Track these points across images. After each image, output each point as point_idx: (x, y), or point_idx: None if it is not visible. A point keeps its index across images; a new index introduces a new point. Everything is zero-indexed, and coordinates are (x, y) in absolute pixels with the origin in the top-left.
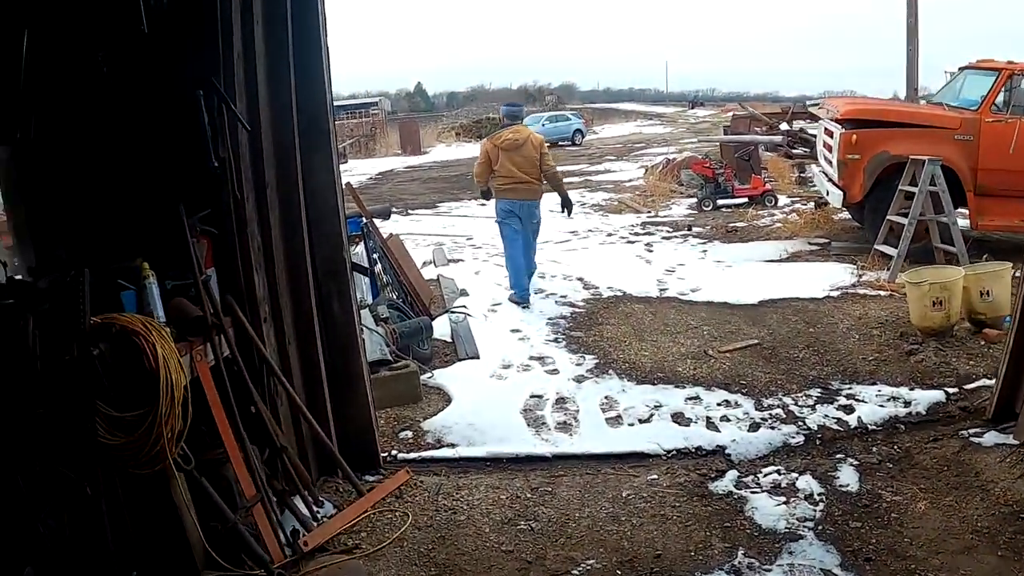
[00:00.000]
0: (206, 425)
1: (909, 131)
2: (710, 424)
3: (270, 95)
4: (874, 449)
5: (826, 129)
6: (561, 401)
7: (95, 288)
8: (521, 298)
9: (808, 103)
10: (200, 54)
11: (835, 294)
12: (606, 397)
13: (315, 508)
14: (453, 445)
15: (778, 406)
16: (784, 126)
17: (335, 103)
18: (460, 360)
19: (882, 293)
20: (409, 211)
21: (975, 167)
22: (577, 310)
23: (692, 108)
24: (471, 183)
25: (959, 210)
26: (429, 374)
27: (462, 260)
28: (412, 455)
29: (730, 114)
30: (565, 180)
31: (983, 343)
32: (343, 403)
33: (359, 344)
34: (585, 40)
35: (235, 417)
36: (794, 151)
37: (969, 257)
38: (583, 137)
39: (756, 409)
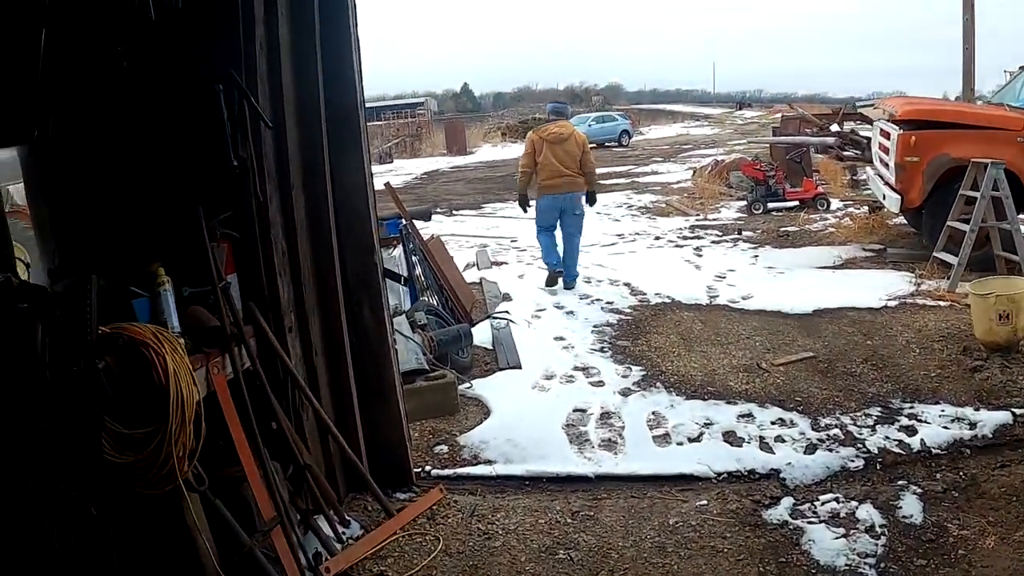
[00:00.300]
0: (224, 440)
1: (970, 133)
2: (764, 445)
3: (296, 89)
4: (938, 475)
5: (882, 130)
6: (606, 416)
7: (110, 295)
8: (553, 268)
9: (858, 104)
10: (220, 46)
11: (893, 304)
12: (653, 413)
13: (341, 529)
14: (490, 462)
15: (836, 426)
16: (834, 127)
17: (381, 103)
18: (501, 369)
19: (942, 303)
20: (453, 212)
21: None
22: (624, 317)
23: (739, 109)
24: (517, 184)
25: (1022, 216)
26: (468, 384)
27: (506, 263)
28: (447, 471)
29: (778, 115)
30: (612, 181)
31: None
32: (374, 417)
33: (391, 355)
34: (631, 41)
35: (255, 434)
36: (845, 153)
37: None
38: (630, 138)
39: (812, 429)
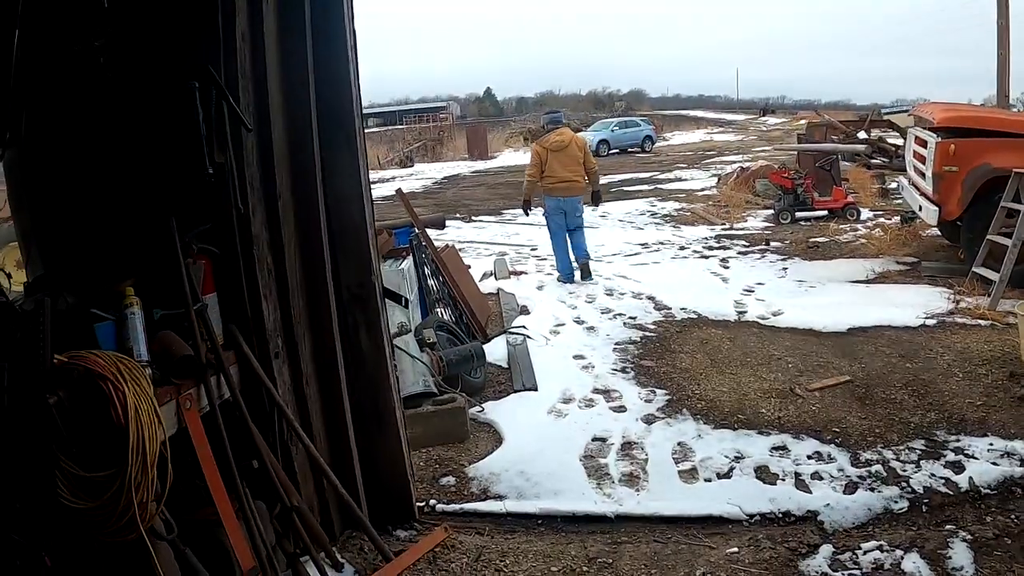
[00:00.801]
0: (202, 479)
1: (1012, 141)
2: (799, 482)
3: (284, 87)
4: (988, 519)
5: (917, 138)
6: (627, 447)
7: (76, 316)
8: (567, 278)
9: (883, 111)
10: (196, 38)
11: (931, 322)
12: (679, 444)
13: (332, 574)
14: (501, 497)
15: (877, 461)
16: (862, 134)
17: (404, 107)
18: (516, 391)
19: (983, 323)
20: (473, 218)
21: None
22: (647, 334)
23: (763, 115)
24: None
25: None
26: (479, 407)
27: (525, 272)
28: (452, 506)
29: (802, 122)
30: (635, 188)
31: None
32: (372, 449)
33: (391, 381)
34: (654, 46)
35: (233, 474)
36: (873, 161)
37: None
38: (653, 144)
39: (852, 465)
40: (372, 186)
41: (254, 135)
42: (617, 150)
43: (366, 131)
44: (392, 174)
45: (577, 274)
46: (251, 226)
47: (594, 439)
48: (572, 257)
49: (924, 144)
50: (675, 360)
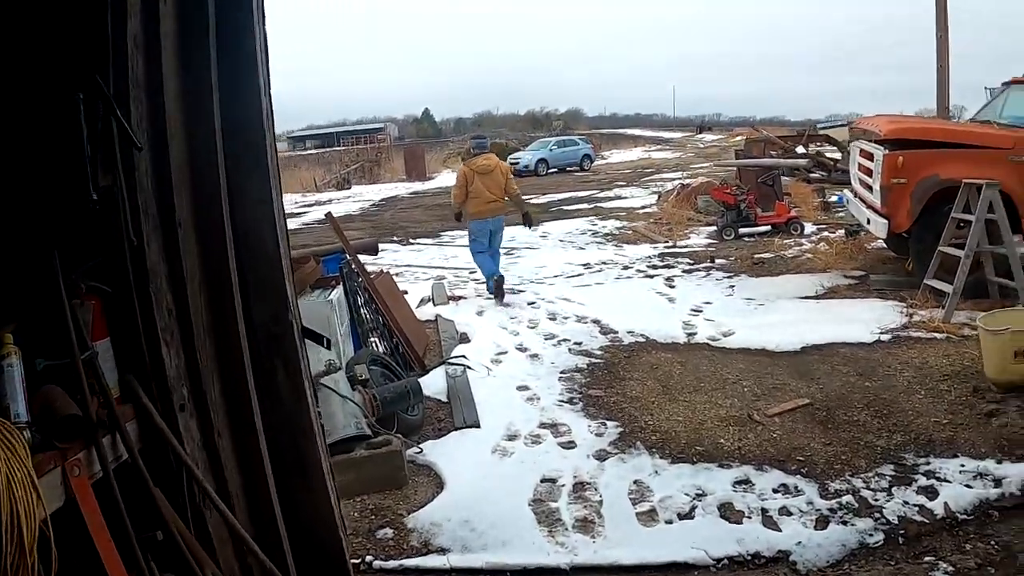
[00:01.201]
0: (96, 557)
1: (960, 152)
2: (767, 519)
3: (185, 101)
4: (968, 547)
5: (863, 151)
6: (580, 488)
7: None
8: (494, 278)
9: (819, 126)
10: (82, 41)
11: (886, 338)
12: (635, 482)
13: None
14: (444, 550)
15: (847, 491)
16: (800, 149)
17: (341, 128)
18: (457, 428)
19: (938, 335)
20: (410, 240)
21: None
22: (594, 361)
23: (700, 133)
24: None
25: (1016, 238)
26: (417, 448)
27: (464, 297)
28: (391, 563)
29: (739, 138)
30: (575, 207)
31: None
32: (298, 505)
33: (315, 429)
34: (592, 66)
35: (133, 548)
36: (812, 175)
37: None
38: (592, 162)
39: (821, 496)
40: (307, 210)
41: (148, 154)
42: (556, 169)
43: (304, 153)
44: (329, 196)
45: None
46: (147, 259)
47: (543, 480)
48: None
49: (870, 157)
50: (625, 388)
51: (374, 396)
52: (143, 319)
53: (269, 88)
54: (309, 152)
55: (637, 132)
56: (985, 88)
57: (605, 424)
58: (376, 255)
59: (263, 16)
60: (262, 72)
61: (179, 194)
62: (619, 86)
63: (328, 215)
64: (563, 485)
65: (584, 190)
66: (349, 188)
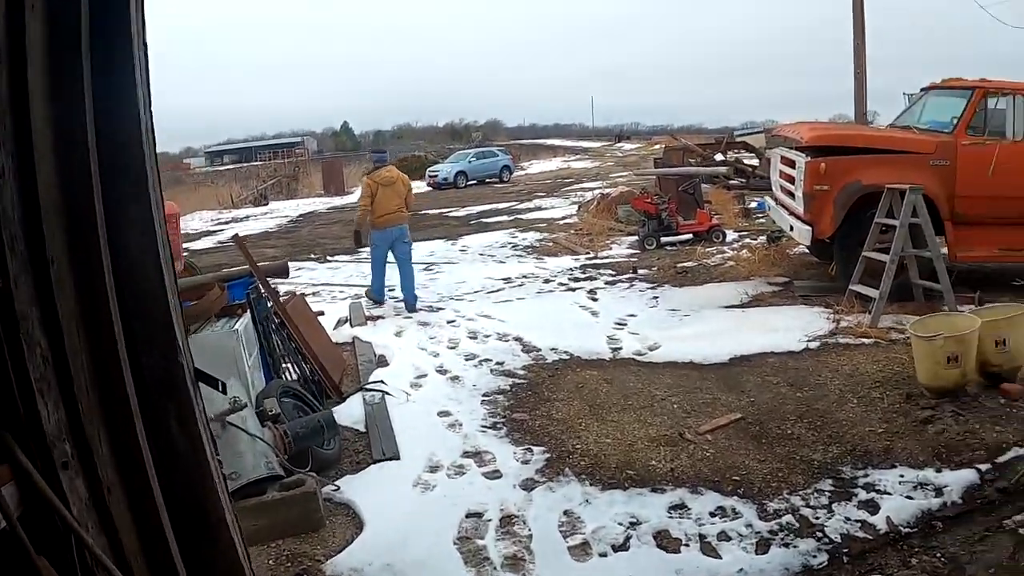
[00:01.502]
0: None
1: (881, 158)
2: (706, 546)
3: (55, 119)
4: (913, 561)
5: (784, 158)
6: (507, 522)
7: None
8: (379, 298)
9: (737, 133)
10: None
11: (814, 345)
12: (565, 513)
13: None
14: None
15: (786, 510)
16: (719, 156)
17: (259, 143)
18: (376, 461)
19: (866, 341)
20: (328, 257)
21: (952, 194)
22: (518, 381)
23: (618, 142)
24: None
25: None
26: (334, 486)
27: (382, 317)
28: None
29: (657, 147)
30: (495, 219)
31: (1003, 401)
32: (202, 562)
33: (215, 479)
34: (511, 76)
35: None
36: (731, 182)
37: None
38: (511, 173)
39: (760, 518)
40: (224, 228)
41: (12, 182)
42: (476, 181)
43: (221, 168)
44: (247, 213)
45: (402, 303)
46: (15, 302)
47: (468, 515)
48: (398, 291)
49: (792, 164)
50: (550, 410)
51: (285, 432)
52: (15, 369)
53: (150, 106)
54: (227, 167)
55: (556, 142)
56: (904, 94)
57: (531, 450)
58: (287, 277)
59: (144, 24)
60: (142, 88)
61: (51, 227)
62: (538, 97)
63: (235, 237)
64: (489, 520)
65: (504, 202)
66: (267, 204)
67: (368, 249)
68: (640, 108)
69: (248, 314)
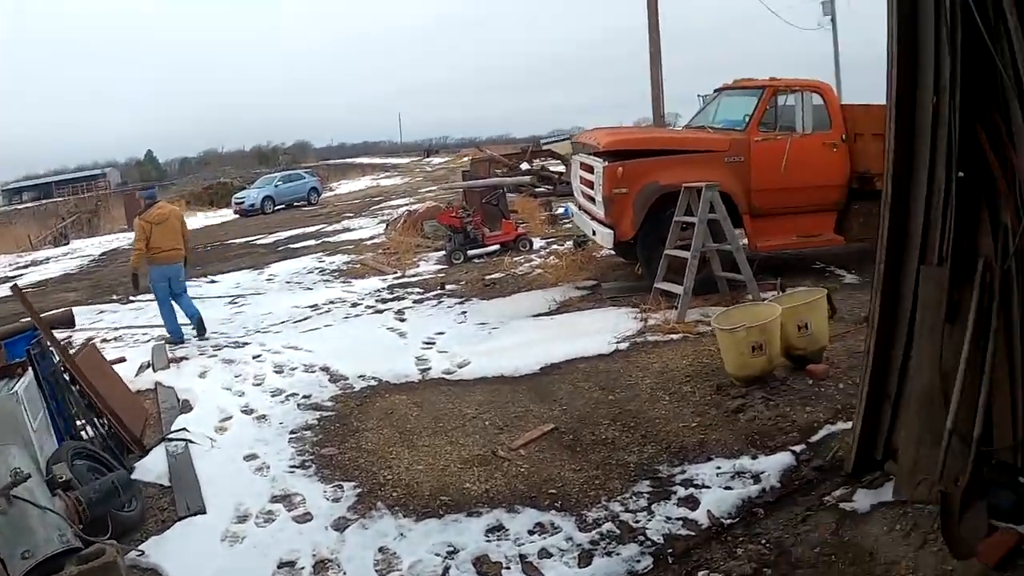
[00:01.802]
0: None
1: (677, 158)
2: (528, 566)
3: None
4: (739, 551)
5: (583, 164)
6: (321, 567)
7: None
8: (178, 338)
9: (543, 141)
10: None
11: (624, 346)
12: (380, 550)
13: None
14: None
15: (606, 518)
16: (525, 165)
17: (58, 177)
18: (181, 518)
19: (675, 336)
20: (131, 298)
21: (748, 188)
22: (326, 414)
23: (427, 156)
24: (202, 257)
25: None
26: (139, 551)
27: (186, 358)
28: None
29: (466, 159)
30: (301, 244)
31: (810, 382)
32: None
33: None
34: (318, 97)
35: None
36: (538, 190)
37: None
38: (319, 195)
39: (580, 529)
40: (24, 273)
41: None
42: (283, 205)
43: (20, 207)
44: (47, 254)
45: (193, 331)
46: None
47: (281, 565)
48: (184, 319)
49: (591, 169)
50: (360, 441)
51: (78, 499)
52: None
53: None
54: (26, 205)
55: (366, 160)
56: (698, 95)
57: (342, 487)
58: (73, 327)
59: None
60: None
61: None
62: (346, 115)
63: (14, 288)
64: (302, 568)
65: (312, 225)
66: (67, 243)
67: (149, 293)
68: (448, 122)
69: (31, 372)
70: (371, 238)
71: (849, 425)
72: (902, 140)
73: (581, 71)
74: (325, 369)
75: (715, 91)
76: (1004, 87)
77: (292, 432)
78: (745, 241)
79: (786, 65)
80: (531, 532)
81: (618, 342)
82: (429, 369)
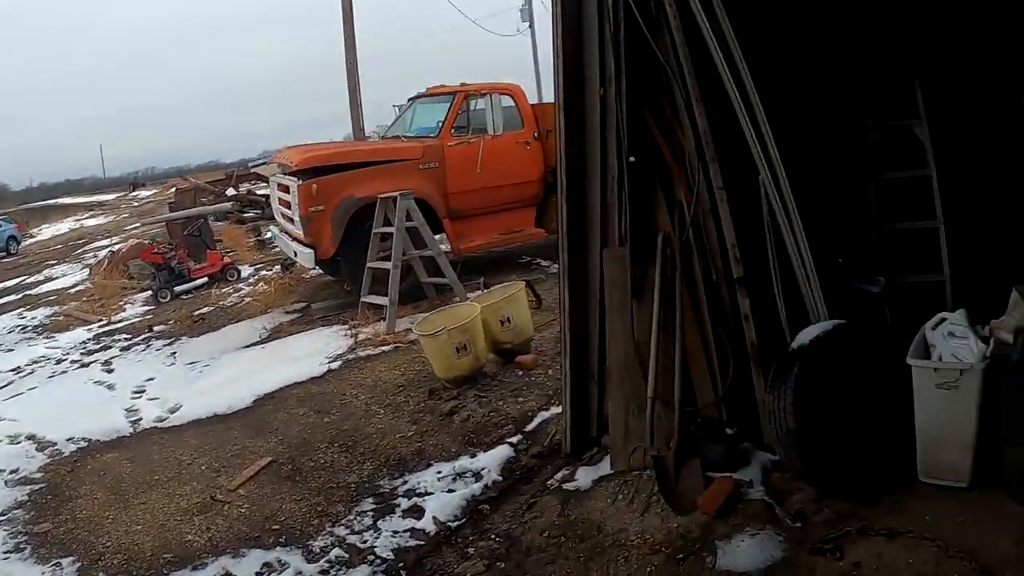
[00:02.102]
0: None
1: (372, 170)
2: None
3: None
4: (471, 551)
5: (280, 185)
6: None
7: None
8: None
9: (251, 164)
10: None
11: (336, 366)
12: None
13: None
14: None
15: (333, 544)
16: (231, 191)
17: None
18: None
19: (386, 348)
20: None
21: (445, 192)
22: (36, 487)
23: (134, 190)
24: None
25: (437, 237)
26: None
27: None
28: None
29: (173, 190)
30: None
31: (520, 373)
32: None
33: None
34: (9, 137)
35: None
36: (245, 215)
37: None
38: (19, 244)
39: (308, 560)
40: None
41: None
42: None
43: None
44: None
45: None
46: None
47: None
48: None
49: (287, 189)
50: (75, 510)
51: None
52: None
53: None
54: None
55: (69, 200)
56: (393, 106)
57: (60, 565)
58: None
59: None
60: None
61: None
62: (45, 153)
63: None
64: None
65: (12, 278)
66: None
67: None
68: (155, 151)
69: None
70: (75, 285)
71: (561, 409)
72: (573, 130)
73: (288, 90)
74: (31, 437)
75: (409, 100)
76: (669, 74)
77: (2, 514)
78: (446, 246)
79: (493, 70)
80: (259, 574)
81: (330, 362)
82: (140, 420)
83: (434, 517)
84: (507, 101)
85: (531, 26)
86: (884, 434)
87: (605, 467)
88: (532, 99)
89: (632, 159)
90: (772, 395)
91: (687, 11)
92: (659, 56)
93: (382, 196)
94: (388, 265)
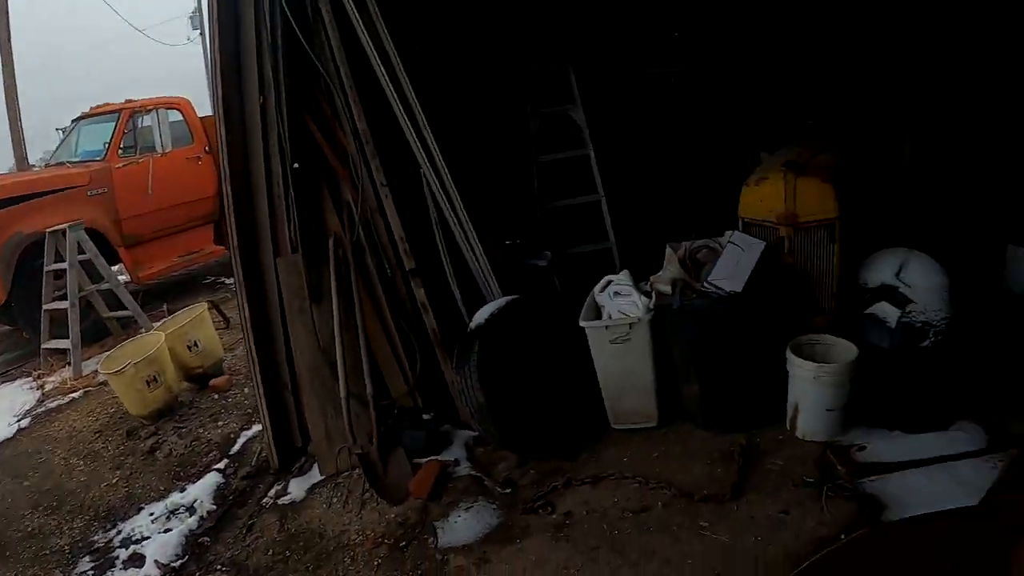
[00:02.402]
0: None
1: (37, 202)
2: None
3: None
4: None
5: None
6: None
7: None
8: None
9: None
10: None
11: (26, 423)
12: None
13: None
14: None
15: None
16: None
17: None
18: None
19: (77, 395)
20: None
21: (118, 219)
22: None
23: None
24: None
25: (115, 268)
26: None
27: None
28: None
29: None
30: None
31: (216, 396)
32: None
33: None
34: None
35: None
36: None
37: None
38: None
39: None
40: None
41: None
42: None
43: None
44: None
45: None
46: None
47: None
48: None
49: None
50: None
51: None
52: None
53: None
54: None
55: None
56: (56, 129)
57: None
58: None
59: None
60: None
61: None
62: None
63: None
64: None
65: None
66: None
67: None
68: None
69: None
70: None
71: (261, 426)
72: (236, 139)
73: None
74: None
75: (73, 122)
76: (327, 78)
77: None
78: (125, 276)
79: (171, 82)
80: None
81: (19, 420)
82: None
83: (156, 561)
84: (175, 115)
85: (202, 34)
86: (572, 393)
87: (315, 474)
88: (207, 111)
89: (296, 165)
90: (459, 375)
91: (343, 15)
92: (315, 60)
93: (50, 230)
94: (66, 305)
